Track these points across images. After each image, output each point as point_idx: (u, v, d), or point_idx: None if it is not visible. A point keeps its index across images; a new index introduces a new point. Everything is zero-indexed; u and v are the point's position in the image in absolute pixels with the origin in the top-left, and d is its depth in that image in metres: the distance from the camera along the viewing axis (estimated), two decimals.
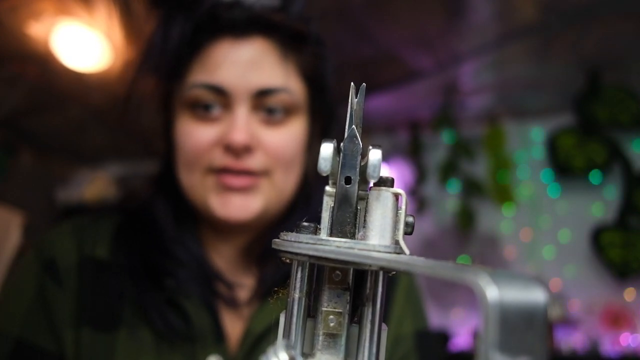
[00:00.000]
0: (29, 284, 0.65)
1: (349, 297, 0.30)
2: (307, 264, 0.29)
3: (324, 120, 0.73)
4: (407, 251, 0.27)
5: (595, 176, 2.99)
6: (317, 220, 0.30)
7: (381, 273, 0.29)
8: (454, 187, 3.31)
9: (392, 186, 0.29)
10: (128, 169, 3.84)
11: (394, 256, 0.25)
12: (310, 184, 0.72)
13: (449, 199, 3.33)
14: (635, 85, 2.85)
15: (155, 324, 0.63)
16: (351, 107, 0.30)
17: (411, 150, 3.40)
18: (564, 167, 3.00)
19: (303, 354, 0.30)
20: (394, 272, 0.29)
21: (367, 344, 0.29)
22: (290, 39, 0.67)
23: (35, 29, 2.27)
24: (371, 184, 0.29)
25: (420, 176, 3.37)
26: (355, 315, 0.30)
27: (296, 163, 0.68)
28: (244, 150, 0.63)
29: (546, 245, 3.10)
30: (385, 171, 0.29)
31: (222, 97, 0.64)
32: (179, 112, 0.67)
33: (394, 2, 2.13)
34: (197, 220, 0.71)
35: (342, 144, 0.29)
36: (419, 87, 2.90)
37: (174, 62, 0.66)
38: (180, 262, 0.67)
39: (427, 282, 2.88)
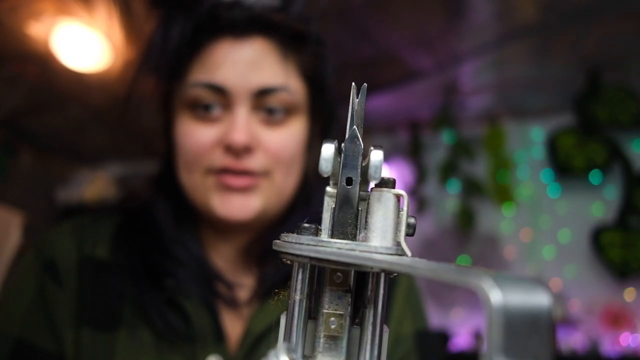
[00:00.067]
0: (29, 284, 0.65)
1: (350, 299, 0.30)
2: (308, 265, 0.29)
3: (324, 120, 0.73)
4: (408, 253, 0.27)
5: (595, 176, 2.99)
6: (318, 220, 0.30)
7: (383, 275, 0.29)
8: (454, 187, 3.31)
9: (393, 187, 0.28)
10: (128, 169, 3.84)
11: (396, 258, 0.25)
12: (310, 184, 0.72)
13: (449, 199, 3.33)
14: (635, 85, 2.86)
15: (155, 324, 0.63)
16: (352, 108, 0.29)
17: (411, 150, 3.40)
18: (564, 167, 3.00)
19: (304, 356, 0.29)
20: (396, 274, 0.28)
21: (368, 347, 0.28)
22: (290, 39, 0.67)
23: (35, 29, 2.27)
24: (372, 185, 0.29)
25: (420, 176, 3.37)
26: (356, 317, 0.30)
27: (296, 163, 0.68)
28: (244, 151, 0.63)
29: (546, 245, 3.10)
30: (386, 172, 0.29)
31: (222, 96, 0.64)
32: (179, 112, 0.67)
33: (394, 2, 2.13)
34: (197, 220, 0.71)
35: (343, 144, 0.29)
36: (419, 87, 2.90)
37: (174, 62, 0.66)
38: (180, 262, 0.67)
39: (427, 282, 2.88)
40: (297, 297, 0.29)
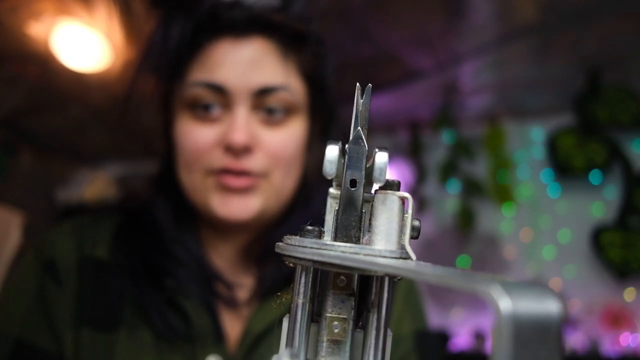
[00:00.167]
0: (29, 284, 0.65)
1: (353, 303, 0.29)
2: (311, 268, 0.29)
3: (324, 121, 0.73)
4: (413, 256, 0.27)
5: (595, 176, 2.99)
6: (318, 221, 0.30)
7: (387, 279, 0.29)
8: (454, 187, 3.31)
9: (398, 190, 0.28)
10: (128, 169, 3.84)
11: (401, 263, 0.25)
12: (310, 184, 0.72)
13: (449, 199, 3.33)
14: (635, 85, 2.85)
15: (155, 324, 0.63)
16: (356, 109, 0.29)
17: (411, 150, 3.40)
18: (564, 167, 3.00)
19: None
20: (400, 278, 0.28)
21: (372, 351, 0.28)
22: (290, 38, 0.67)
23: (35, 29, 2.27)
24: (377, 187, 0.29)
25: (420, 176, 3.37)
26: (359, 321, 0.30)
27: (296, 163, 0.68)
28: (243, 151, 0.63)
29: (546, 245, 3.10)
30: (390, 174, 0.29)
31: (222, 96, 0.64)
32: (179, 112, 0.67)
33: (394, 2, 2.13)
34: (196, 221, 0.71)
35: (347, 145, 0.29)
36: (419, 87, 2.90)
37: (174, 62, 0.66)
38: (180, 262, 0.67)
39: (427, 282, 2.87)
40: (300, 301, 0.28)
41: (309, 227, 0.28)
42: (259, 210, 0.65)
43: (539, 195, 3.17)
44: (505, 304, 0.16)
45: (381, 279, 0.29)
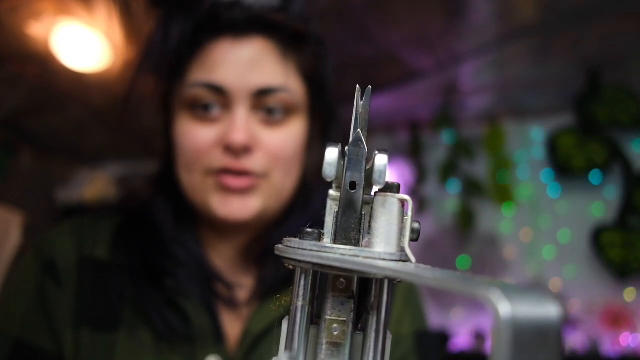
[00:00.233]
0: (29, 284, 0.65)
1: (353, 305, 0.29)
2: (311, 271, 0.29)
3: (324, 121, 0.73)
4: (413, 259, 0.27)
5: (595, 176, 2.99)
6: (318, 221, 0.30)
7: (386, 281, 0.29)
8: (454, 187, 3.31)
9: (398, 192, 0.28)
10: (128, 169, 3.84)
11: (400, 266, 0.25)
12: (310, 184, 0.72)
13: (449, 199, 3.33)
14: (635, 85, 2.85)
15: (155, 324, 0.63)
16: (356, 110, 0.29)
17: (411, 150, 3.40)
18: (564, 167, 3.00)
19: None
20: (399, 280, 0.28)
21: (371, 353, 0.28)
22: (290, 38, 0.67)
23: (35, 29, 2.27)
24: (376, 189, 0.29)
25: (420, 176, 3.37)
26: (359, 323, 0.30)
27: (295, 163, 0.68)
28: (243, 151, 0.63)
29: (546, 245, 3.10)
30: (390, 176, 0.28)
31: (222, 96, 0.64)
32: (179, 112, 0.67)
33: (394, 2, 2.13)
34: (196, 221, 0.71)
35: (347, 148, 0.29)
36: (419, 87, 2.90)
37: (174, 62, 0.66)
38: (180, 262, 0.67)
39: None
40: (300, 303, 0.28)
41: (309, 230, 0.28)
42: (259, 210, 0.65)
43: (539, 195, 3.17)
44: (505, 308, 0.16)
45: (381, 281, 0.29)
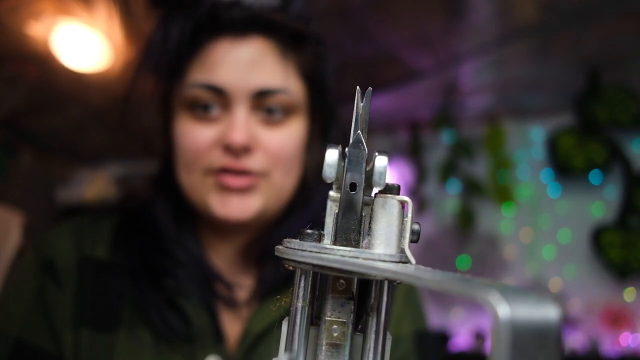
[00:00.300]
0: (29, 284, 0.65)
1: (352, 307, 0.29)
2: (311, 272, 0.29)
3: (324, 121, 0.73)
4: (412, 260, 0.27)
5: (595, 176, 2.99)
6: (318, 222, 0.30)
7: (386, 282, 0.29)
8: (454, 187, 3.31)
9: (398, 193, 0.28)
10: (128, 169, 3.84)
11: (400, 267, 0.25)
12: (310, 184, 0.71)
13: (449, 199, 3.33)
14: (635, 85, 2.85)
15: (155, 324, 0.63)
16: (357, 112, 0.29)
17: (411, 150, 3.40)
18: (564, 167, 3.00)
19: None
20: (399, 282, 0.28)
21: (371, 354, 0.28)
22: (290, 38, 0.67)
23: (35, 29, 2.27)
24: (376, 190, 0.29)
25: (420, 176, 3.37)
26: (359, 324, 0.30)
27: (295, 163, 0.68)
28: (243, 151, 0.63)
29: (546, 245, 3.10)
30: (390, 177, 0.28)
31: (221, 97, 0.64)
32: (178, 111, 0.67)
33: (394, 2, 2.13)
34: (196, 221, 0.71)
35: (347, 149, 0.29)
36: (419, 87, 2.90)
37: (174, 62, 0.66)
38: (179, 263, 0.67)
39: None
40: (299, 305, 0.28)
41: (309, 231, 0.28)
42: (259, 210, 0.65)
43: (539, 195, 3.17)
44: (504, 310, 0.16)
45: (380, 282, 0.29)
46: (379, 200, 0.28)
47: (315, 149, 0.71)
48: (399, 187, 0.28)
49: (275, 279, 0.68)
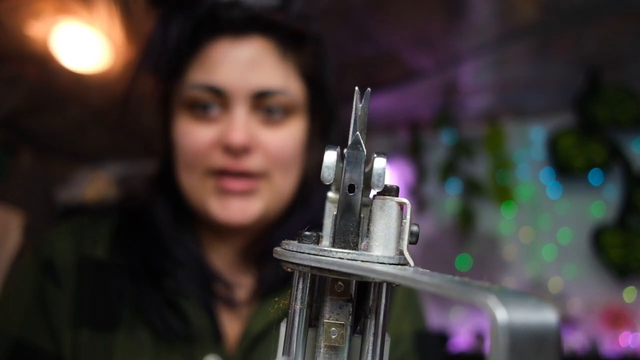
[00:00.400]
0: (28, 285, 0.65)
1: (351, 309, 0.29)
2: (309, 274, 0.29)
3: (324, 121, 0.73)
4: (411, 262, 0.26)
5: (595, 176, 2.99)
6: (317, 222, 0.30)
7: (385, 285, 0.28)
8: (454, 187, 3.31)
9: (396, 195, 0.28)
10: (128, 169, 3.84)
11: (398, 270, 0.24)
12: (309, 184, 0.71)
13: (449, 199, 3.33)
14: (635, 85, 2.85)
15: (154, 324, 0.63)
16: (355, 113, 0.29)
17: (411, 150, 3.40)
18: (564, 167, 3.00)
19: None
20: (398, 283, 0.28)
21: (369, 357, 0.28)
22: (289, 38, 0.67)
23: (35, 29, 2.27)
24: (375, 192, 0.29)
25: (420, 176, 3.37)
26: (357, 326, 0.30)
27: (295, 163, 0.68)
28: (242, 151, 0.63)
29: (546, 245, 3.10)
30: (389, 178, 0.28)
31: (221, 97, 0.64)
32: (178, 112, 0.67)
33: (394, 2, 2.13)
34: (195, 221, 0.71)
35: (345, 150, 0.29)
36: (419, 87, 2.90)
37: (173, 62, 0.66)
38: (179, 263, 0.67)
39: None
40: (298, 307, 0.28)
41: (307, 233, 0.28)
42: (260, 213, 0.65)
43: (539, 195, 3.17)
44: (502, 314, 0.16)
45: (379, 284, 0.28)
46: (378, 202, 0.28)
47: (315, 149, 0.71)
48: (397, 188, 0.28)
49: (275, 279, 0.68)
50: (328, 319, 0.29)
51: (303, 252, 0.27)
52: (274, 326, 0.31)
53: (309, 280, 0.29)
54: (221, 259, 0.71)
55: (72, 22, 2.24)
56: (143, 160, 3.20)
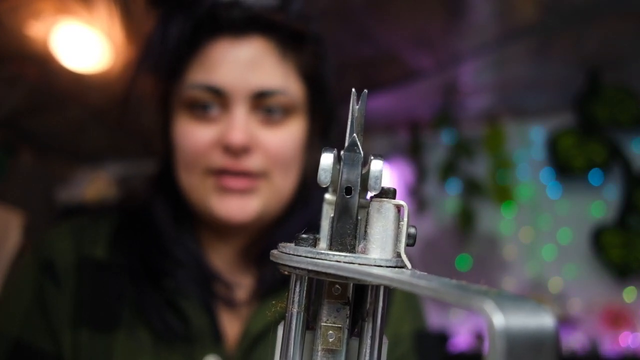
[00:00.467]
0: (28, 285, 0.65)
1: (348, 312, 0.29)
2: (306, 277, 0.28)
3: (324, 121, 0.73)
4: (408, 265, 0.26)
5: (595, 176, 2.99)
6: (317, 222, 0.30)
7: (382, 287, 0.28)
8: (454, 187, 3.31)
9: (393, 197, 0.28)
10: (128, 169, 3.84)
11: (396, 274, 0.24)
12: (309, 184, 0.71)
13: (449, 199, 3.33)
14: (635, 85, 2.85)
15: (154, 324, 0.63)
16: (352, 115, 0.29)
17: (411, 150, 3.40)
18: (564, 167, 3.00)
19: None
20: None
21: (367, 359, 0.28)
22: (289, 38, 0.67)
23: (35, 29, 2.27)
24: (372, 194, 0.29)
25: (420, 176, 3.37)
26: (355, 329, 0.30)
27: (295, 163, 0.68)
28: (242, 151, 0.63)
29: (546, 245, 3.10)
30: (387, 180, 0.28)
31: (221, 97, 0.64)
32: (177, 111, 0.67)
33: (394, 2, 2.13)
34: (195, 221, 0.71)
35: (342, 152, 0.28)
36: (419, 87, 2.90)
37: (173, 62, 0.66)
38: (179, 263, 0.67)
39: None
40: (295, 310, 0.28)
41: (304, 235, 0.28)
42: (259, 211, 0.65)
43: (539, 195, 3.17)
44: (499, 319, 0.16)
45: (376, 287, 0.28)
46: (375, 205, 0.28)
47: (314, 149, 0.71)
48: (394, 190, 0.28)
49: (275, 279, 0.68)
50: (325, 322, 0.29)
51: (300, 255, 0.26)
52: (275, 326, 0.31)
53: (306, 283, 0.29)
54: (221, 259, 0.71)
55: (72, 22, 2.24)
56: (143, 160, 3.20)
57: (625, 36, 2.38)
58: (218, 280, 0.68)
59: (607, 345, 2.83)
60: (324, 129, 0.74)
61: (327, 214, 0.29)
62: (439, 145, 3.35)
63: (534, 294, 2.97)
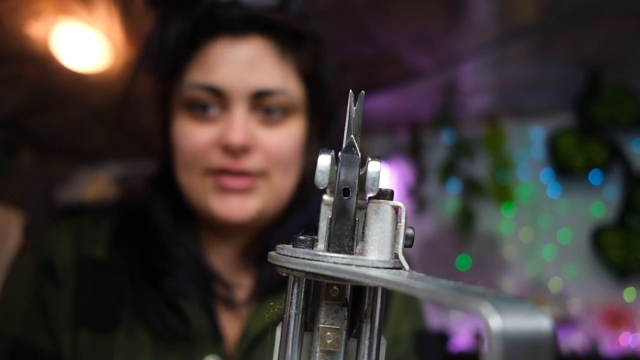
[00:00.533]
0: (27, 285, 0.65)
1: (346, 313, 0.29)
2: (304, 279, 0.28)
3: (323, 120, 0.73)
4: (406, 266, 0.26)
5: (595, 176, 2.99)
6: (316, 223, 0.30)
7: (380, 289, 0.28)
8: (454, 187, 3.31)
9: (391, 199, 0.28)
10: (128, 169, 3.84)
11: (393, 276, 0.24)
12: (308, 184, 0.71)
13: (449, 199, 3.33)
14: (635, 85, 2.85)
15: (154, 324, 0.63)
16: (350, 116, 0.29)
17: (411, 150, 3.40)
18: (564, 167, 3.00)
19: None
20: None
21: None
22: (288, 38, 0.67)
23: (35, 29, 2.27)
24: (370, 195, 0.29)
25: (420, 176, 3.37)
26: (353, 330, 0.30)
27: (294, 163, 0.68)
28: (241, 151, 0.63)
29: (546, 245, 3.10)
30: (385, 181, 0.28)
31: (220, 97, 0.64)
32: (177, 111, 0.67)
33: (394, 2, 2.13)
34: (195, 221, 0.71)
35: (340, 154, 0.28)
36: (419, 87, 2.90)
37: (172, 62, 0.66)
38: (179, 263, 0.67)
39: None
40: (293, 312, 0.28)
41: (301, 237, 0.28)
42: (258, 210, 0.65)
43: (539, 195, 3.17)
44: (496, 322, 0.16)
45: (374, 289, 0.28)
46: (372, 206, 0.28)
47: (314, 149, 0.71)
48: (392, 192, 0.28)
49: (274, 279, 0.68)
50: (323, 324, 0.29)
51: (297, 257, 0.26)
52: (270, 331, 0.30)
53: (303, 285, 0.28)
54: (221, 259, 0.71)
55: (72, 22, 2.24)
56: (143, 160, 3.20)
57: (625, 36, 2.38)
58: (218, 281, 0.68)
59: (607, 346, 2.83)
60: (323, 129, 0.74)
61: (325, 215, 0.28)
62: (439, 145, 3.35)
63: (534, 294, 2.97)
